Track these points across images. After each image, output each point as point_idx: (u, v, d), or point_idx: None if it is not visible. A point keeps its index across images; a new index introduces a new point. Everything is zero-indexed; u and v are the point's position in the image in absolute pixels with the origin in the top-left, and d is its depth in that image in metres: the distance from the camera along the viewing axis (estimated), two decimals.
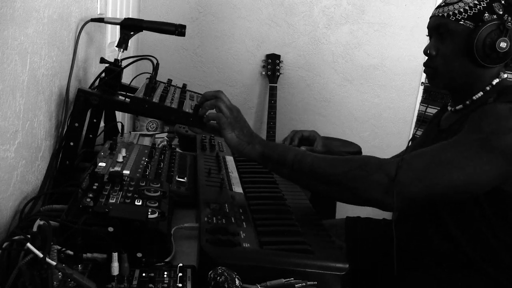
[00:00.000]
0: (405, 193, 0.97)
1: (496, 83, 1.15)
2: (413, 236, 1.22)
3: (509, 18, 1.08)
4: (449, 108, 1.26)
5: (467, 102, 1.18)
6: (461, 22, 1.11)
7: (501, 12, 1.09)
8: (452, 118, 1.22)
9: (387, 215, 3.24)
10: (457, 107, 1.21)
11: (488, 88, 1.15)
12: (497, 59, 1.11)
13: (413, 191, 0.97)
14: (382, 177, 0.97)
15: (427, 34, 1.22)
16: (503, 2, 1.10)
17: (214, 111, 1.12)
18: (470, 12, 1.10)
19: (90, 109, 1.29)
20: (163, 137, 1.91)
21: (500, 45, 1.08)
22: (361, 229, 1.45)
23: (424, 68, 1.22)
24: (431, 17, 1.19)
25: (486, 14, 1.09)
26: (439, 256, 1.15)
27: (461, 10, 1.11)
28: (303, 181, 1.07)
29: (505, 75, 1.18)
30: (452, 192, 0.99)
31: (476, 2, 1.10)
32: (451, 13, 1.12)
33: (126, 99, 1.29)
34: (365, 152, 2.74)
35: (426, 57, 1.20)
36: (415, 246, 1.21)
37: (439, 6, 1.17)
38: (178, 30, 1.40)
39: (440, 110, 1.37)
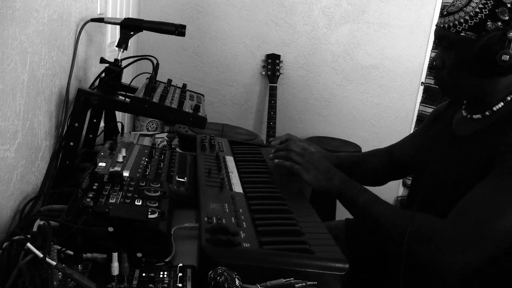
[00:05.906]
0: (459, 263, 0.95)
1: None
2: None
3: None
4: (464, 113, 1.18)
5: (487, 113, 1.10)
6: (462, 34, 1.04)
7: (506, 18, 1.01)
8: (471, 126, 1.14)
9: None
10: (475, 116, 1.13)
11: (509, 98, 1.07)
12: (503, 71, 1.03)
13: (466, 259, 0.95)
14: (434, 245, 0.96)
15: (436, 42, 1.16)
16: (509, 5, 1.02)
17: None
18: (471, 22, 1.03)
19: (90, 109, 1.29)
20: (163, 137, 1.92)
21: (502, 58, 1.00)
22: (362, 230, 1.44)
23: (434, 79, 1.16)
24: (435, 26, 1.13)
25: (489, 23, 1.01)
26: None
27: (462, 20, 1.04)
28: (367, 226, 1.15)
29: None
30: (506, 242, 0.96)
31: (477, 10, 1.03)
32: (451, 24, 1.06)
33: (126, 99, 1.29)
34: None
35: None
36: None
37: (441, 15, 1.10)
38: (178, 30, 1.40)
39: (446, 109, 1.29)
